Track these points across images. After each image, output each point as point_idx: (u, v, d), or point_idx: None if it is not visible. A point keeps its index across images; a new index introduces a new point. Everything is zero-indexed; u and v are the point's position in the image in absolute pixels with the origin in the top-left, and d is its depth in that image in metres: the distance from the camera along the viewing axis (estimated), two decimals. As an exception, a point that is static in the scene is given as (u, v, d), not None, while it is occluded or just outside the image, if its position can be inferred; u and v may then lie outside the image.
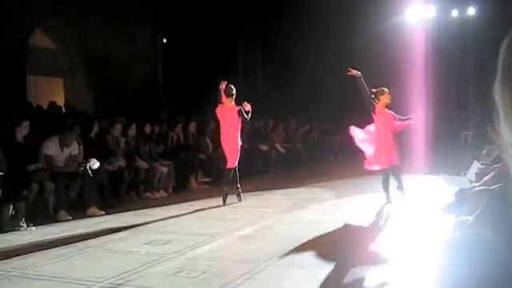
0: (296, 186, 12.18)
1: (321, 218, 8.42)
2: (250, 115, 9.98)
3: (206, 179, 13.17)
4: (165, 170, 11.68)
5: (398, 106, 10.00)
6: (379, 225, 8.01)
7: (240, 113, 9.90)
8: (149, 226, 8.22)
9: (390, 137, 9.38)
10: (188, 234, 7.49)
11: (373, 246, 6.65)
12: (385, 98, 9.29)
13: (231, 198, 10.05)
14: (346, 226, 7.80)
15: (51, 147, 9.20)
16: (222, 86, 9.89)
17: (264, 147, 15.55)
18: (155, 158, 11.85)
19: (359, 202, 9.83)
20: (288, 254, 6.25)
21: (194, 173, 12.67)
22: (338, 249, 6.44)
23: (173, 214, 9.06)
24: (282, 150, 16.35)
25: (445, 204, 8.56)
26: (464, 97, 18.47)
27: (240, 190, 10.22)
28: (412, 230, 7.39)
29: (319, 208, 9.49)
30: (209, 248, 6.69)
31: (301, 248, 6.56)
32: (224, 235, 7.35)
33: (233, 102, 10.03)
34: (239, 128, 10.13)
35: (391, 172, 9.34)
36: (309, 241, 6.94)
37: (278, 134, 16.68)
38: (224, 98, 9.92)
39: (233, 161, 10.08)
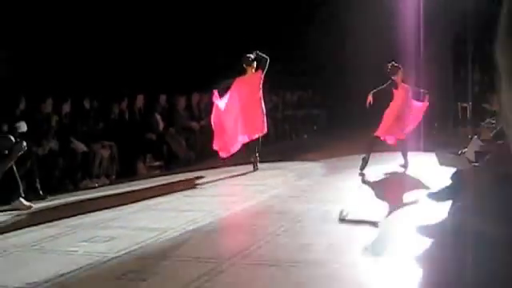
0: (264, 170, 12.31)
1: (295, 208, 8.47)
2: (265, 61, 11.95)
3: (157, 163, 13.13)
4: (106, 152, 11.59)
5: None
6: (365, 213, 8.07)
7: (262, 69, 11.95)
8: (88, 219, 8.16)
9: (407, 111, 11.76)
10: (135, 228, 7.46)
11: (356, 238, 6.71)
12: (401, 74, 11.51)
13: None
14: (325, 218, 7.85)
15: None
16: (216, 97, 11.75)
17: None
18: (95, 139, 11.72)
19: (338, 186, 9.98)
20: (256, 250, 6.27)
21: (141, 155, 12.61)
22: (314, 244, 6.48)
23: (117, 205, 9.02)
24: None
25: (441, 187, 8.68)
26: (462, 64, 18.65)
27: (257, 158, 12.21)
28: (403, 219, 7.49)
29: (291, 195, 9.56)
30: (160, 245, 6.67)
31: (272, 243, 6.59)
32: (178, 230, 7.32)
33: (253, 70, 12.07)
34: (260, 95, 12.03)
35: (400, 147, 11.66)
36: (282, 235, 6.99)
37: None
38: (246, 67, 12.07)
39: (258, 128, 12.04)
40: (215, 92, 11.76)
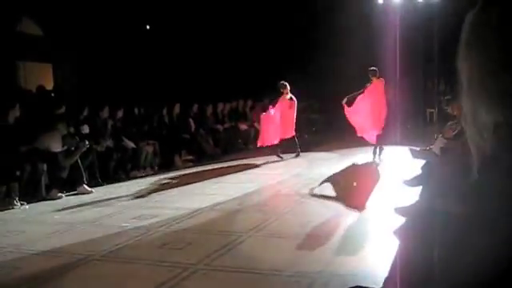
0: (274, 162, 12.26)
1: (299, 192, 8.46)
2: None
3: (190, 157, 13.12)
4: (150, 149, 11.61)
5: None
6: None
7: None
8: (136, 202, 8.20)
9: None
10: (172, 208, 7.47)
11: (345, 216, 6.69)
12: (376, 75, 11.62)
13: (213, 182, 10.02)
14: (321, 201, 7.84)
15: (54, 147, 8.99)
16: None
17: (243, 126, 15.49)
18: (141, 138, 11.75)
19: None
20: (268, 225, 6.28)
21: (178, 151, 12.62)
22: (312, 221, 6.47)
23: (158, 191, 9.03)
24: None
25: (414, 175, 8.63)
26: (429, 77, 18.51)
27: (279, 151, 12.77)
28: (383, 201, 7.45)
29: (298, 182, 9.52)
30: (192, 221, 6.69)
31: (280, 220, 6.60)
32: (206, 209, 7.34)
33: (287, 92, 12.79)
34: (294, 110, 12.93)
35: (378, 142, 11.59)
36: (287, 214, 6.99)
37: (257, 113, 16.55)
38: (282, 90, 12.79)
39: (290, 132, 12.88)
40: (271, 105, 12.92)
